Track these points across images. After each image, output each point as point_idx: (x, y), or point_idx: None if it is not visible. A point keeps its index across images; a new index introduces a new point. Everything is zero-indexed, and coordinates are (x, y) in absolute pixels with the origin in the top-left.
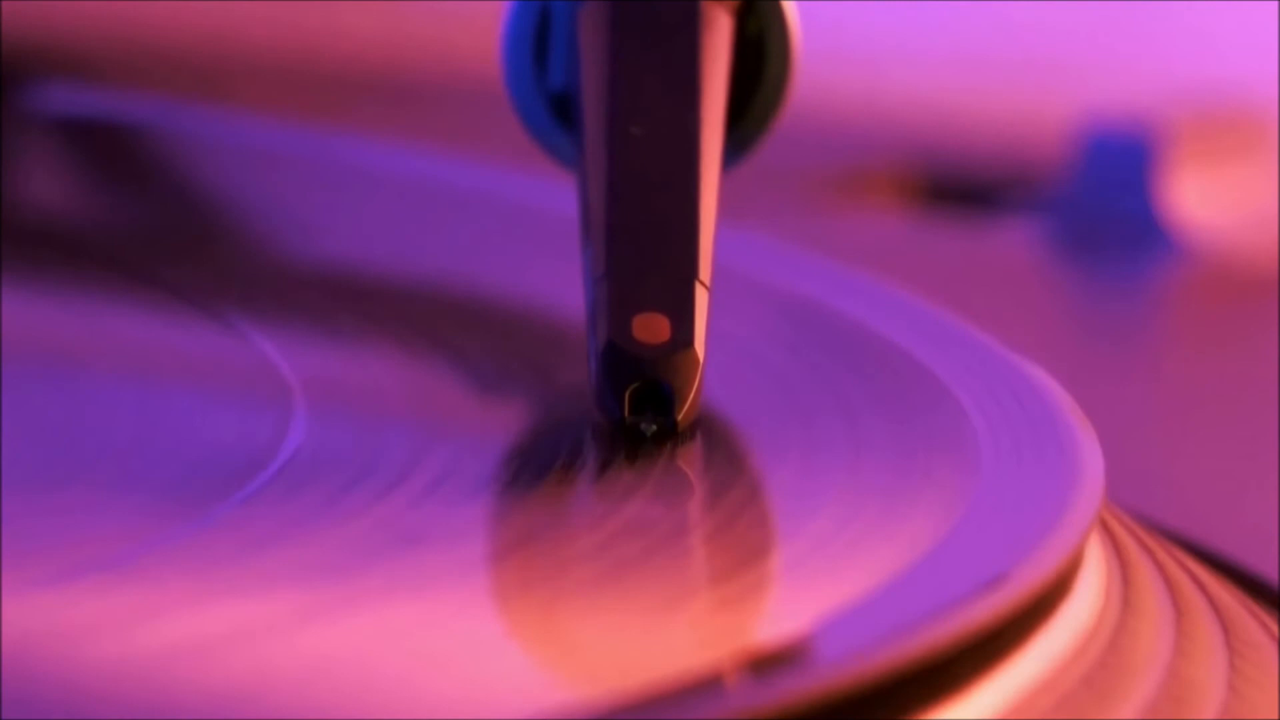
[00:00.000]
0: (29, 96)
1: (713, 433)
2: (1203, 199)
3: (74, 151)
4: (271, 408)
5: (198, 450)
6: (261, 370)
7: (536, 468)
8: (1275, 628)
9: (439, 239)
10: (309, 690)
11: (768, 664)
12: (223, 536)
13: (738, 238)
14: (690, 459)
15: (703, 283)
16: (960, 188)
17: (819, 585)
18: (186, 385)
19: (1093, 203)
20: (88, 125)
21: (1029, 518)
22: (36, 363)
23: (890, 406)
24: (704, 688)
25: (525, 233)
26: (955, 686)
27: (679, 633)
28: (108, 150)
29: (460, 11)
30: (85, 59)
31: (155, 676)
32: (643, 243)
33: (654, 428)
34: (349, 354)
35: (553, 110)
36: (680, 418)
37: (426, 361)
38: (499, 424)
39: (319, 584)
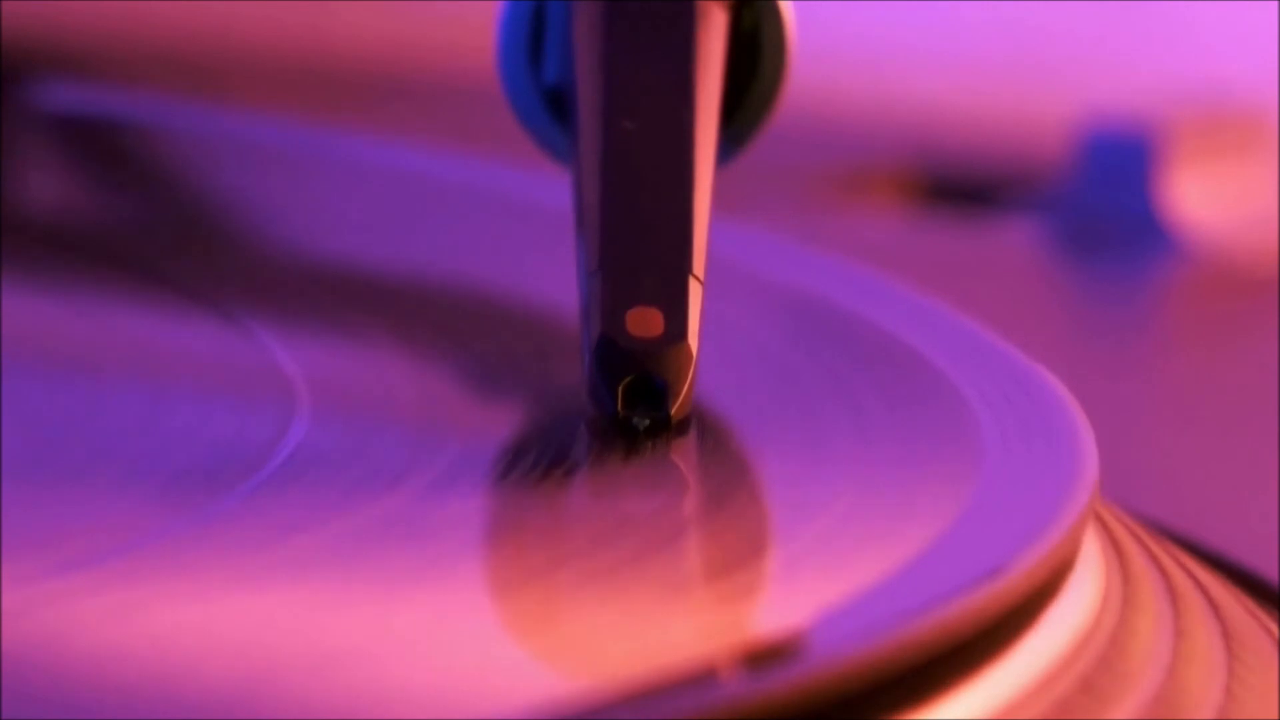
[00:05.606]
0: (29, 95)
1: (713, 426)
2: (1203, 199)
3: (74, 150)
4: (272, 404)
5: (198, 446)
6: (262, 366)
7: (533, 463)
8: (1275, 628)
9: (437, 234)
10: (306, 685)
11: (761, 658)
12: (223, 532)
13: (738, 233)
14: (689, 453)
15: (696, 277)
16: (960, 187)
17: (816, 579)
18: (187, 381)
19: (1093, 202)
20: (88, 124)
21: (1025, 512)
22: (37, 360)
23: (891, 400)
24: (699, 681)
25: (522, 227)
26: (954, 682)
27: (676, 626)
28: (108, 149)
29: (456, 9)
30: (85, 57)
31: (154, 672)
32: (636, 237)
33: (647, 422)
34: (349, 350)
35: (548, 106)
36: (673, 412)
37: (425, 357)
38: (497, 419)
39: (318, 579)
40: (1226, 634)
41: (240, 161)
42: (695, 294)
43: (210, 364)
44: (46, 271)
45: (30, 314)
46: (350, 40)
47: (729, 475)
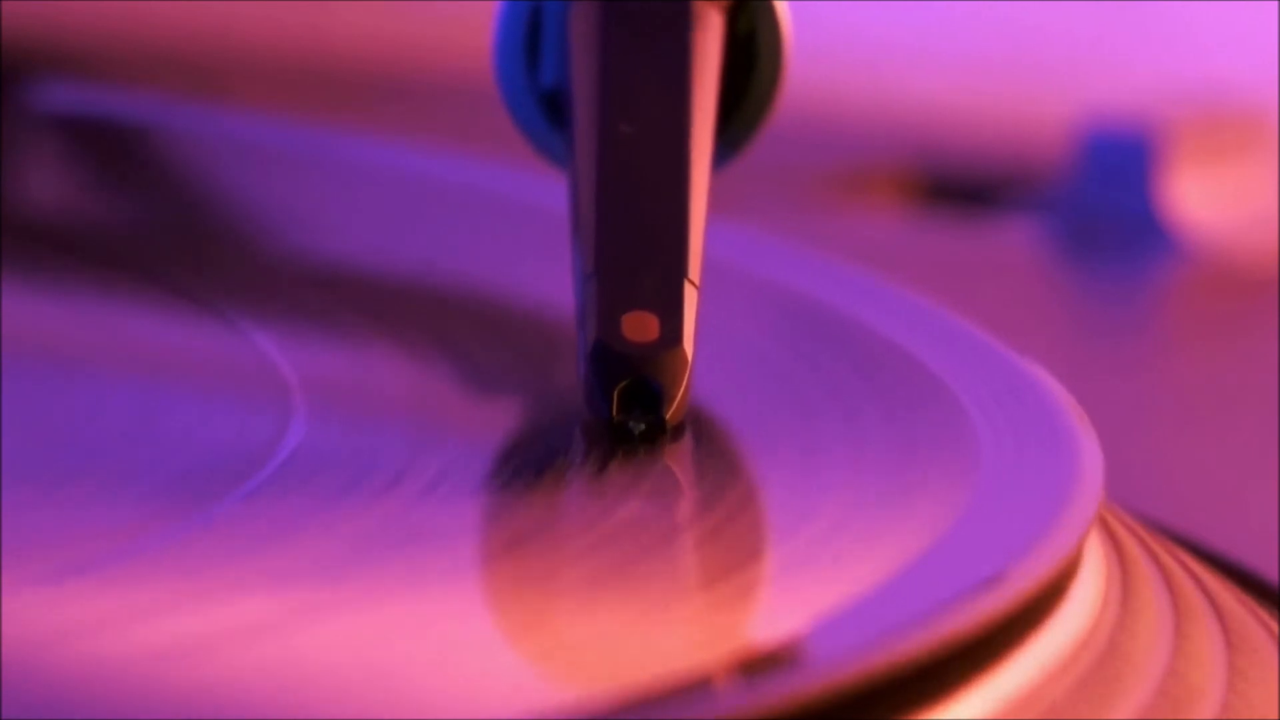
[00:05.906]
0: (29, 95)
1: (709, 431)
2: (1203, 199)
3: (74, 150)
4: (270, 406)
5: (196, 448)
6: (260, 368)
7: (531, 467)
8: (1275, 627)
9: (436, 236)
10: (304, 689)
11: (759, 665)
12: (221, 535)
13: (736, 234)
14: (685, 457)
15: (692, 281)
16: (960, 187)
17: (814, 585)
18: (186, 383)
19: (1093, 202)
20: (88, 124)
21: (1027, 517)
22: (36, 361)
23: (889, 404)
24: (696, 688)
25: (522, 228)
26: (952, 687)
27: (671, 632)
28: (108, 149)
29: (456, 9)
30: (85, 57)
31: (153, 675)
32: (632, 241)
33: (643, 426)
34: (348, 352)
35: (544, 109)
36: (669, 416)
37: (423, 358)
38: (494, 423)
39: (316, 583)
40: (1226, 634)
41: (240, 161)
42: (690, 299)
43: (209, 365)
44: (46, 271)
45: (30, 314)
46: (350, 40)
47: (724, 480)
